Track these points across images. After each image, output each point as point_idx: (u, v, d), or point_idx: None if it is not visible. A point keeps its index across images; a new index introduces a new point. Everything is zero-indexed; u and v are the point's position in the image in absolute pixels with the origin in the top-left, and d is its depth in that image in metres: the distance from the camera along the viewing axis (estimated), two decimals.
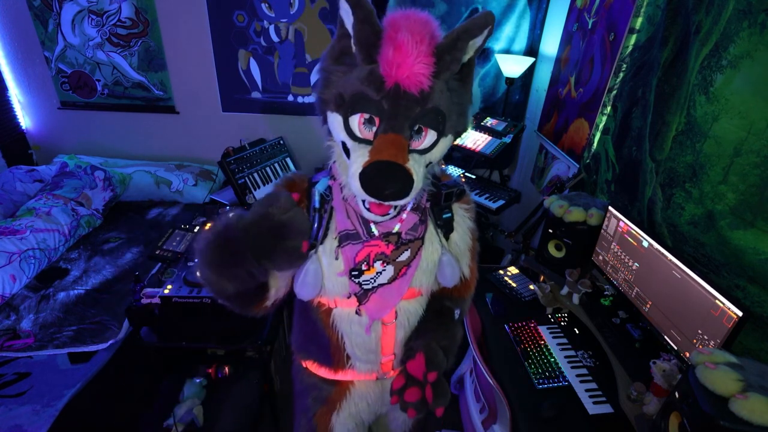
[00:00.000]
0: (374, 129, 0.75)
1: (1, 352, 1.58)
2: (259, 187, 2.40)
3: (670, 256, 1.28)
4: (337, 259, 0.89)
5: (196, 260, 0.86)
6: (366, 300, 0.92)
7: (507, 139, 2.50)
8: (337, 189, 0.90)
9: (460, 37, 0.73)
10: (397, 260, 0.91)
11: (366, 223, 0.88)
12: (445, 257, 0.94)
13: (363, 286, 0.91)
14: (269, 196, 0.77)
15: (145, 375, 1.96)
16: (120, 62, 2.74)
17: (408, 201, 0.81)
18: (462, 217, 1.00)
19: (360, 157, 0.75)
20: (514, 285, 1.75)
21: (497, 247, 3.05)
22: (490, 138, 2.56)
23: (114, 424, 1.78)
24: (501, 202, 2.33)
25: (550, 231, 1.75)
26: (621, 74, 1.74)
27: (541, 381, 1.32)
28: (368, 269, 0.91)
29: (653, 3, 1.57)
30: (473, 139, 2.60)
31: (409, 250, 0.92)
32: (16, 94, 2.82)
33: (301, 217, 0.77)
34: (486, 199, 2.36)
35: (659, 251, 1.32)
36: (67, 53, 2.70)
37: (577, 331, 1.54)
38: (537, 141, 2.66)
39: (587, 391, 1.29)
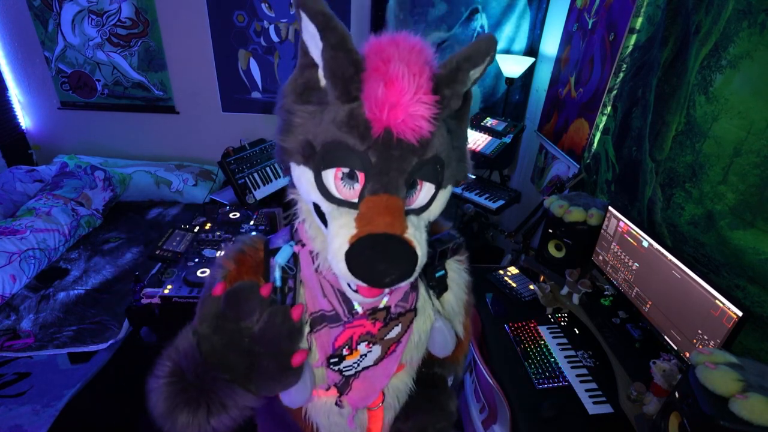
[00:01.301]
0: (357, 186, 0.57)
1: (1, 352, 1.58)
2: (258, 187, 2.40)
3: (670, 256, 1.28)
4: (310, 348, 0.70)
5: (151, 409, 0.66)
6: (348, 389, 0.76)
7: (507, 139, 2.50)
8: (306, 258, 0.69)
9: (461, 67, 0.57)
10: (385, 338, 0.74)
11: (347, 300, 0.69)
12: (437, 323, 0.79)
13: (344, 373, 0.74)
14: (232, 297, 0.57)
15: (145, 375, 1.96)
16: (120, 62, 2.74)
17: (412, 281, 0.60)
18: (457, 272, 0.84)
19: (343, 227, 0.56)
20: (514, 285, 1.75)
21: (497, 247, 3.05)
22: (490, 138, 2.56)
23: (114, 424, 1.78)
24: (501, 202, 2.33)
25: (550, 231, 1.75)
26: (621, 74, 1.74)
27: (541, 381, 1.32)
28: (350, 353, 0.72)
29: (653, 3, 1.57)
30: (473, 140, 2.60)
31: (400, 324, 0.75)
32: (16, 94, 2.82)
33: (282, 317, 0.57)
34: (486, 199, 2.36)
35: (659, 251, 1.33)
36: (67, 53, 2.70)
37: (577, 331, 1.54)
38: (537, 141, 2.66)
39: (587, 391, 1.29)
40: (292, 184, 0.67)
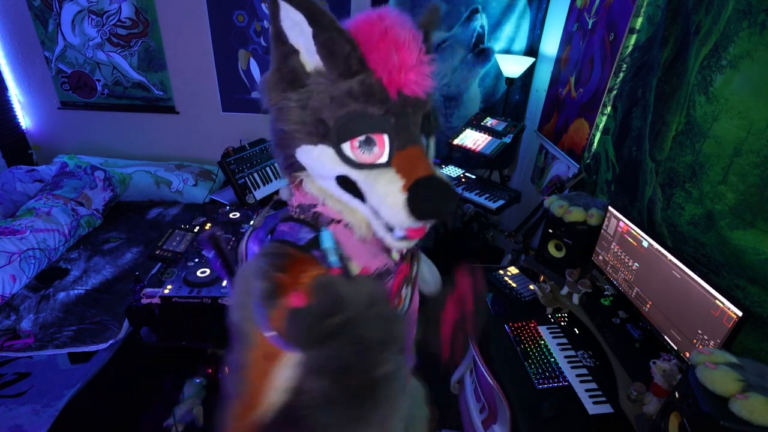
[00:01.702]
0: (376, 150, 0.61)
1: (1, 352, 1.58)
2: (258, 187, 2.40)
3: (670, 256, 1.28)
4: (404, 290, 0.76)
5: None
6: None
7: (507, 139, 2.50)
8: (345, 232, 0.70)
9: (428, 30, 0.66)
10: (412, 277, 0.80)
11: (388, 252, 0.74)
12: (422, 256, 0.85)
13: None
14: (330, 294, 0.53)
15: (145, 375, 1.96)
16: (120, 62, 2.74)
17: None
18: None
19: (390, 183, 0.61)
20: (514, 285, 1.75)
21: (497, 247, 3.05)
22: (490, 138, 2.56)
23: (114, 424, 1.78)
24: (501, 202, 2.33)
25: (550, 231, 1.75)
26: (621, 74, 1.74)
27: (541, 381, 1.32)
28: (399, 301, 0.77)
29: (653, 3, 1.57)
30: (473, 139, 2.60)
31: (414, 261, 0.81)
32: (16, 94, 2.82)
33: (382, 294, 0.59)
34: (486, 199, 2.36)
35: (659, 251, 1.33)
36: (67, 53, 2.70)
37: (577, 331, 1.54)
38: (537, 141, 2.66)
39: (587, 391, 1.29)
40: (290, 175, 0.69)
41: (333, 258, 0.62)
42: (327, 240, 0.64)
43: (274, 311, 0.54)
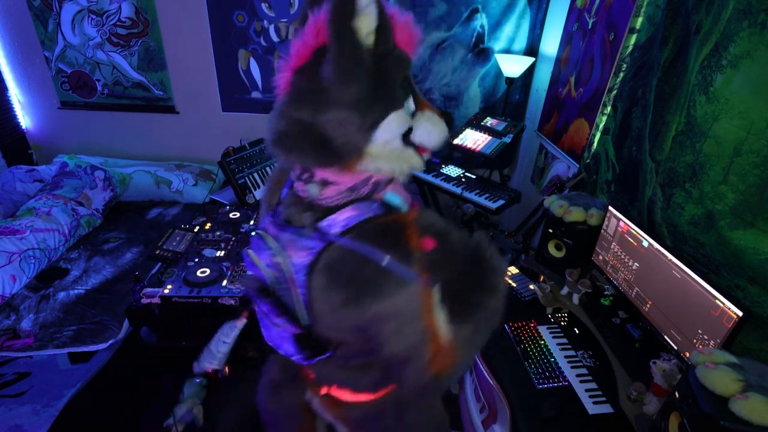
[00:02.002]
0: (410, 102, 0.78)
1: (1, 352, 1.58)
2: (258, 187, 2.40)
3: (670, 256, 1.28)
4: None
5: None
6: None
7: (507, 139, 2.50)
8: (395, 186, 0.82)
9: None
10: None
11: None
12: None
13: None
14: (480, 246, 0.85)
15: (145, 375, 1.96)
16: (120, 62, 2.74)
17: None
18: None
19: (427, 116, 0.81)
20: (514, 285, 1.75)
21: (497, 247, 3.04)
22: (490, 138, 2.56)
23: (114, 424, 1.78)
24: (501, 202, 2.33)
25: (550, 231, 1.74)
26: (621, 74, 1.74)
27: (541, 381, 1.32)
28: None
29: (653, 3, 1.57)
30: (473, 139, 2.60)
31: None
32: (16, 94, 2.82)
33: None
34: (486, 199, 2.36)
35: (659, 251, 1.32)
36: (67, 53, 2.70)
37: (577, 331, 1.54)
38: (537, 141, 2.66)
39: (587, 391, 1.29)
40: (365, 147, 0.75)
41: (404, 208, 0.79)
42: (394, 198, 0.79)
43: (416, 263, 0.70)
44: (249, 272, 0.87)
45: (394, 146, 0.75)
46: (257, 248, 0.82)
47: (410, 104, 0.77)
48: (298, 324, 0.80)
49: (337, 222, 0.75)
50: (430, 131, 0.79)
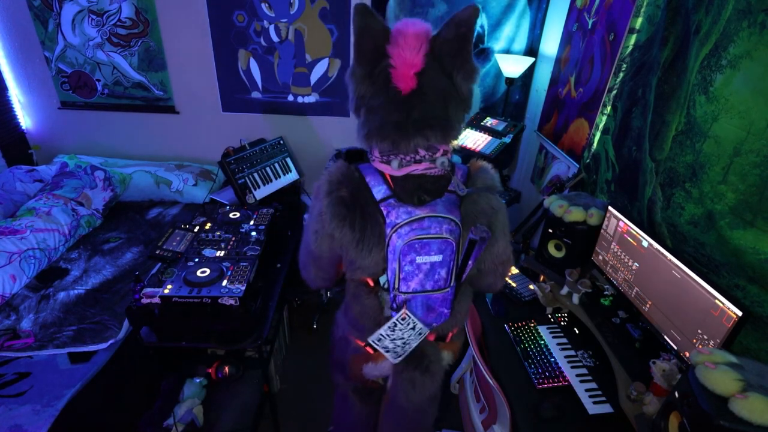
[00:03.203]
0: None
1: (1, 352, 1.58)
2: (258, 187, 2.40)
3: (670, 256, 1.28)
4: None
5: None
6: None
7: (507, 139, 2.50)
8: None
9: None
10: None
11: None
12: None
13: None
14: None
15: (145, 375, 1.96)
16: (120, 62, 2.74)
17: None
18: None
19: None
20: (514, 285, 1.75)
21: None
22: (490, 138, 2.56)
23: (114, 424, 1.78)
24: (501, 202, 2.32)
25: (550, 231, 1.75)
26: (621, 74, 1.74)
27: (541, 381, 1.32)
28: None
29: (653, 3, 1.57)
30: (473, 139, 2.60)
31: None
32: (16, 94, 2.82)
33: None
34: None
35: (659, 251, 1.33)
36: (67, 53, 2.70)
37: (577, 331, 1.54)
38: (537, 141, 2.66)
39: (587, 391, 1.29)
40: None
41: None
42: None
43: None
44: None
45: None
46: (425, 234, 0.94)
47: None
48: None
49: (459, 180, 1.01)
50: None
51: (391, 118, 0.92)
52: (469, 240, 0.95)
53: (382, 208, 0.96)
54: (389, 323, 1.04)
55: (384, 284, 1.05)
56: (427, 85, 0.92)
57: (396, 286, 1.00)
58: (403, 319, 1.03)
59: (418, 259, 0.95)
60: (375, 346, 1.08)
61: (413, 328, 1.06)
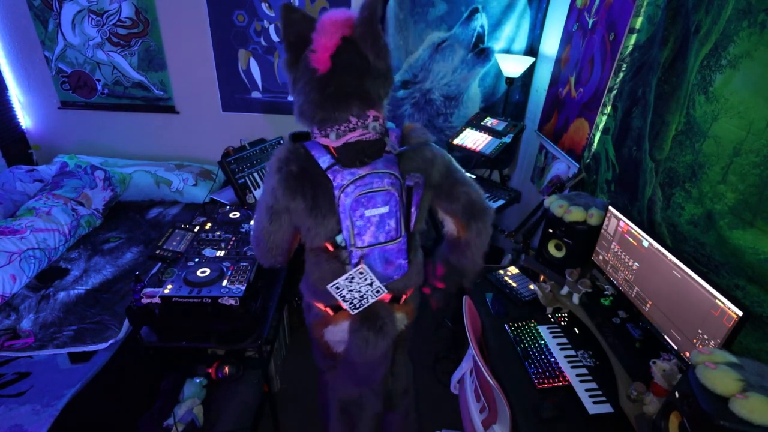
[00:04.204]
0: None
1: (1, 351, 1.58)
2: (259, 187, 2.40)
3: (670, 256, 1.28)
4: None
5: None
6: None
7: (507, 139, 2.50)
8: None
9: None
10: None
11: None
12: None
13: None
14: None
15: (145, 375, 1.96)
16: (120, 62, 2.74)
17: None
18: None
19: None
20: (514, 285, 1.75)
21: (497, 247, 3.05)
22: (490, 138, 2.56)
23: (114, 424, 1.78)
24: (501, 202, 2.33)
25: (550, 231, 1.75)
26: (621, 74, 1.74)
27: (541, 381, 1.32)
28: None
29: (653, 3, 1.57)
30: (473, 139, 2.60)
31: None
32: (16, 94, 2.83)
33: None
34: (486, 198, 2.36)
35: (659, 251, 1.33)
36: (67, 53, 2.70)
37: (577, 331, 1.54)
38: (537, 141, 2.66)
39: (587, 391, 1.29)
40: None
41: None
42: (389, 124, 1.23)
43: None
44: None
45: None
46: (368, 188, 1.05)
47: None
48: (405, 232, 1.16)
49: (393, 141, 1.13)
50: None
51: (311, 97, 1.06)
52: (406, 188, 1.10)
53: (328, 175, 1.06)
54: (347, 275, 1.14)
55: (341, 242, 1.15)
56: (340, 64, 1.03)
57: (352, 242, 1.10)
58: (360, 273, 1.13)
59: (367, 213, 1.07)
60: (333, 293, 1.16)
61: (371, 284, 1.16)
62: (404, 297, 1.30)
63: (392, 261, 1.17)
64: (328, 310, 1.30)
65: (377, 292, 1.18)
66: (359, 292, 1.17)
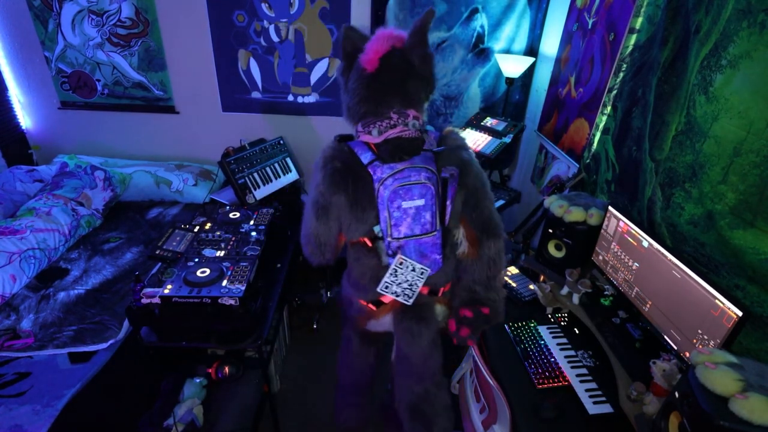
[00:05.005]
0: None
1: (1, 352, 1.58)
2: (258, 187, 2.40)
3: (670, 256, 1.28)
4: None
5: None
6: None
7: (507, 139, 2.50)
8: None
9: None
10: None
11: None
12: None
13: None
14: None
15: (145, 375, 1.96)
16: (120, 62, 2.74)
17: None
18: None
19: None
20: (514, 285, 1.75)
21: None
22: (490, 138, 2.56)
23: (114, 424, 1.78)
24: (501, 202, 2.33)
25: (550, 231, 1.75)
26: (621, 74, 1.74)
27: (541, 381, 1.32)
28: None
29: (653, 3, 1.57)
30: (473, 139, 2.60)
31: None
32: (16, 94, 2.82)
33: None
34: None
35: (659, 251, 1.33)
36: (67, 53, 2.70)
37: (577, 331, 1.54)
38: (537, 141, 2.66)
39: (587, 391, 1.29)
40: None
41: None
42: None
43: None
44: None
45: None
46: (406, 181, 1.13)
47: None
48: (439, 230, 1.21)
49: (432, 140, 1.23)
50: None
51: (358, 93, 1.16)
52: (441, 179, 1.16)
53: (369, 169, 1.15)
54: (389, 270, 1.20)
55: (378, 233, 1.21)
56: (386, 65, 1.13)
57: (389, 233, 1.17)
58: (401, 264, 1.19)
59: (404, 204, 1.13)
60: (385, 293, 1.23)
61: (414, 270, 1.21)
62: (442, 290, 1.34)
63: (427, 255, 1.21)
64: (371, 305, 1.36)
65: (422, 273, 1.22)
66: (407, 281, 1.22)
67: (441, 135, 1.27)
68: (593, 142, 1.94)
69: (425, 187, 1.14)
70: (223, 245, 1.76)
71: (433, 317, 1.33)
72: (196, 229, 1.87)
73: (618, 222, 1.52)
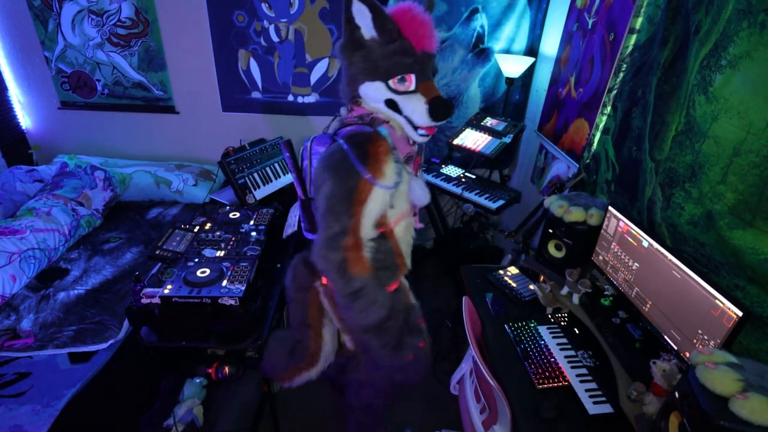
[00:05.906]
0: (406, 83, 1.10)
1: (1, 352, 1.58)
2: (258, 187, 2.40)
3: (670, 256, 1.28)
4: (416, 174, 1.29)
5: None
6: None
7: (507, 139, 2.50)
8: (391, 130, 1.19)
9: (431, 9, 1.19)
10: (422, 163, 1.37)
11: (412, 144, 1.27)
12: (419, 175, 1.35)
13: None
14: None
15: (145, 375, 1.96)
16: (120, 62, 2.74)
17: None
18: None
19: (418, 100, 1.11)
20: (514, 285, 1.75)
21: (497, 247, 3.05)
22: (490, 138, 2.56)
23: (114, 424, 1.78)
24: (501, 202, 2.33)
25: (550, 231, 1.75)
26: (621, 74, 1.74)
27: (541, 381, 1.32)
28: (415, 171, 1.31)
29: (653, 3, 1.57)
30: (473, 139, 2.60)
31: (421, 153, 1.35)
32: (16, 94, 2.82)
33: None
34: (486, 199, 2.36)
35: (659, 251, 1.33)
36: (67, 53, 2.70)
37: (577, 331, 1.54)
38: (537, 141, 2.66)
39: (587, 391, 1.29)
40: (355, 105, 1.21)
41: (389, 141, 1.12)
42: (383, 131, 1.14)
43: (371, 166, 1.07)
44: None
45: (380, 108, 1.17)
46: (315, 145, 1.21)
47: (404, 83, 1.11)
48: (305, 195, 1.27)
49: (344, 131, 1.17)
50: (412, 110, 1.14)
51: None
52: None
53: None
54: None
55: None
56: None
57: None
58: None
59: None
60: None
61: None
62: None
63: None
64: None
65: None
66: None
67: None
68: (593, 142, 1.94)
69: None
70: (223, 245, 1.76)
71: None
72: (196, 229, 1.87)
73: (618, 222, 1.52)
